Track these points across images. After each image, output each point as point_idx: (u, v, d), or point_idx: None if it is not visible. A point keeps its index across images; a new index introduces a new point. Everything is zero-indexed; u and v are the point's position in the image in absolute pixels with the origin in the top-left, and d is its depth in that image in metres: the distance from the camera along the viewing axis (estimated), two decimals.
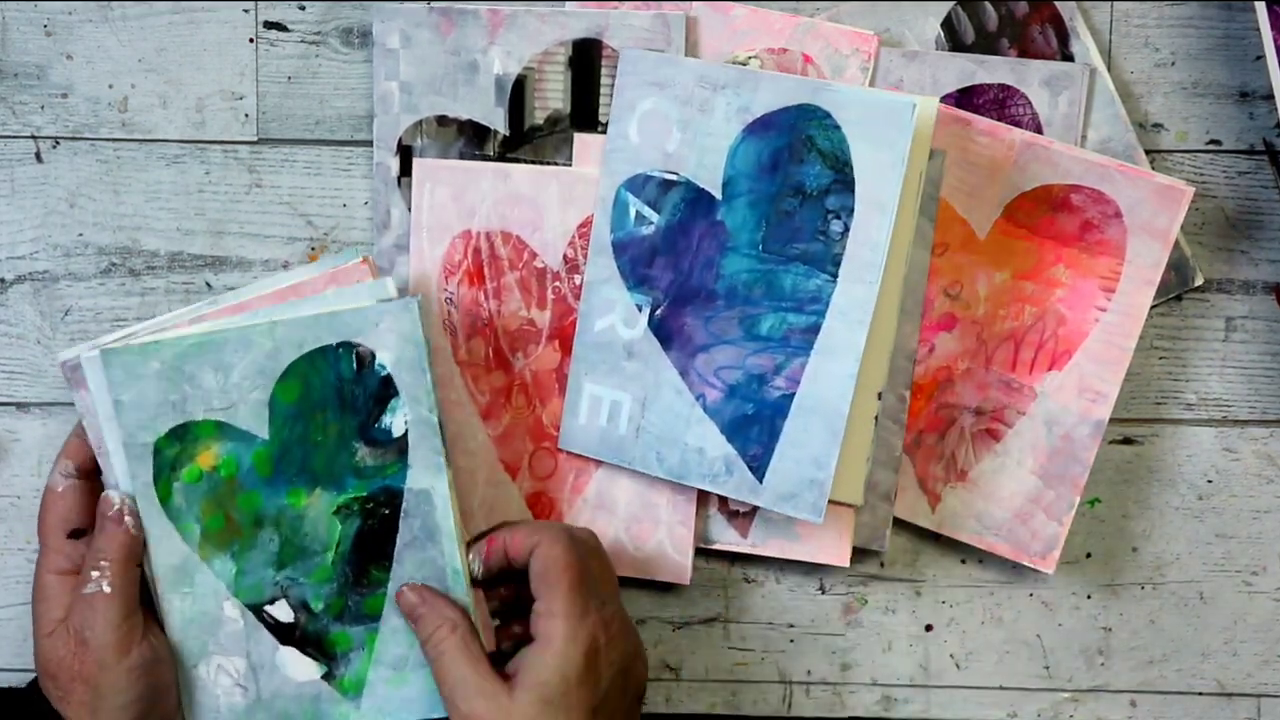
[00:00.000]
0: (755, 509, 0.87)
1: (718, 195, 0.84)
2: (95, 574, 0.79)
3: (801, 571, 0.90)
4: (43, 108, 0.89)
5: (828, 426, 0.82)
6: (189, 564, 0.82)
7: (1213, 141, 0.88)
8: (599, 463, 0.87)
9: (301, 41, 0.88)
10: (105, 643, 0.79)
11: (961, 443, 0.87)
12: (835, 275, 0.82)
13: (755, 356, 0.83)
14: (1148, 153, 0.87)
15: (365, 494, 0.81)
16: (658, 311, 0.85)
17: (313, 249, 0.89)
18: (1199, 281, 0.88)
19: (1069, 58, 0.87)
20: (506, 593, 0.83)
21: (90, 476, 0.82)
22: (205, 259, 0.89)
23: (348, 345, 0.80)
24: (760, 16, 0.86)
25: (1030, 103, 0.86)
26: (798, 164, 0.82)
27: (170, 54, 0.89)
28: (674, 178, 0.84)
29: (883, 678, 0.91)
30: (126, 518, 0.80)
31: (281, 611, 0.82)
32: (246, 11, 0.88)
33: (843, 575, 0.90)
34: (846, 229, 0.81)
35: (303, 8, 0.88)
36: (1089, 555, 0.90)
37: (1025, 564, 0.87)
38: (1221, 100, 0.88)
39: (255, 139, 0.89)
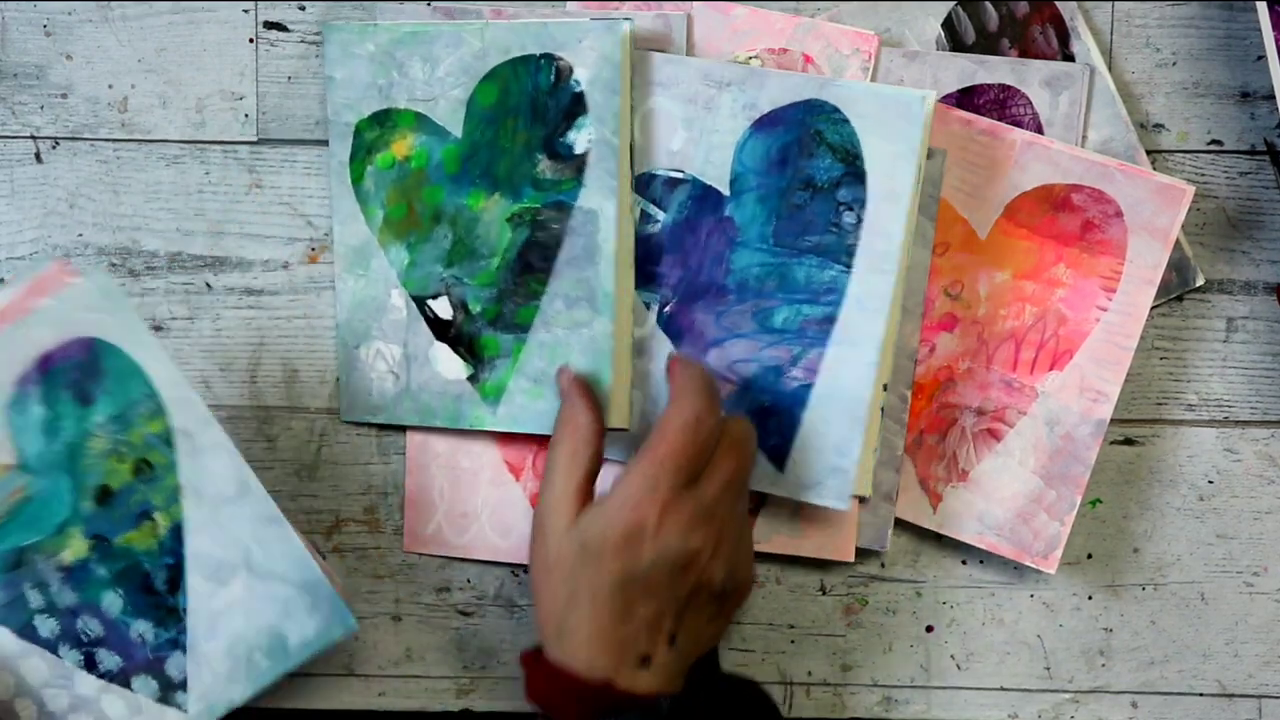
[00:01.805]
0: (759, 507, 0.87)
1: (725, 191, 0.84)
2: None
3: (802, 572, 0.90)
4: (42, 108, 0.89)
5: (849, 415, 0.82)
6: (368, 248, 0.85)
7: (1214, 142, 0.88)
8: (607, 460, 0.87)
9: (301, 41, 0.88)
10: None
11: (963, 443, 0.87)
12: (850, 266, 0.82)
13: (771, 349, 0.83)
14: (1149, 153, 0.87)
15: (539, 205, 0.83)
16: (666, 309, 0.85)
17: (313, 249, 0.89)
18: (1200, 282, 0.88)
19: (1070, 58, 0.87)
20: None
21: None
22: (205, 259, 0.89)
23: (550, 57, 0.82)
24: (760, 16, 0.86)
25: (1031, 103, 0.86)
26: (807, 158, 0.83)
27: (170, 54, 0.89)
28: (680, 176, 0.85)
29: (883, 679, 0.90)
30: None
31: (442, 308, 0.85)
32: (246, 11, 0.88)
33: (844, 576, 0.90)
34: (859, 220, 0.82)
35: (303, 8, 0.88)
36: (1090, 556, 0.90)
37: (1027, 564, 0.87)
38: (1223, 100, 0.88)
39: (255, 139, 0.89)
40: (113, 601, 0.77)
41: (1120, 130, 0.87)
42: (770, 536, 0.87)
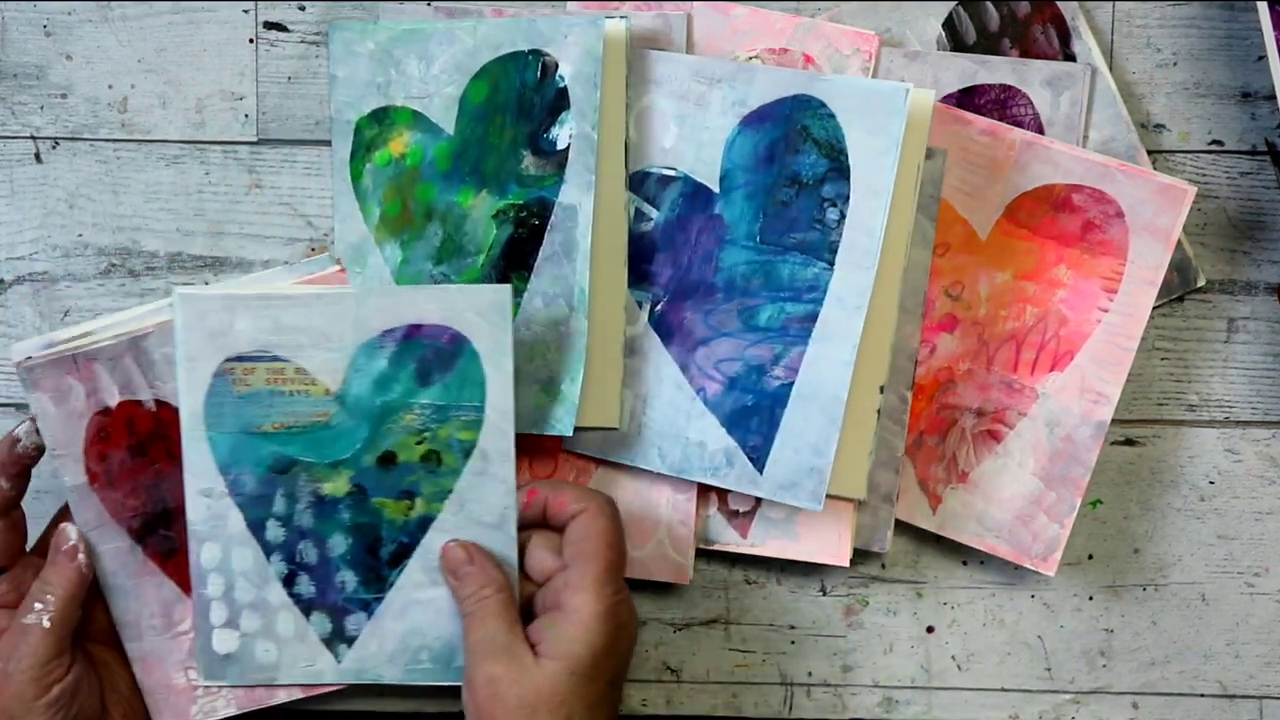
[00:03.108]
0: (755, 509, 0.87)
1: (715, 189, 0.84)
2: (39, 606, 0.79)
3: (802, 573, 0.90)
4: (42, 108, 0.89)
5: (826, 414, 0.82)
6: (365, 245, 0.86)
7: (1215, 142, 0.88)
8: (599, 462, 0.87)
9: (301, 41, 0.88)
10: (28, 679, 0.78)
11: (963, 444, 0.87)
12: (832, 263, 0.82)
13: (754, 347, 0.83)
14: (1150, 153, 0.87)
15: (522, 201, 0.83)
16: (658, 307, 0.85)
17: (313, 249, 0.89)
18: (1201, 282, 0.88)
19: (1071, 58, 0.87)
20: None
21: (9, 514, 0.81)
22: (205, 259, 0.89)
23: (537, 53, 0.83)
24: (761, 16, 0.86)
25: (1032, 103, 0.86)
26: (794, 154, 0.83)
27: (170, 54, 0.88)
28: (672, 173, 0.85)
29: (884, 679, 0.90)
30: (80, 555, 0.80)
31: None
32: (246, 12, 0.88)
33: (844, 577, 0.90)
34: (843, 216, 0.82)
35: (303, 8, 0.88)
36: (1090, 556, 0.90)
37: (1026, 566, 0.87)
38: (1223, 101, 0.88)
39: (255, 139, 0.89)
40: (339, 544, 0.81)
41: (1121, 130, 0.87)
42: (765, 540, 0.87)
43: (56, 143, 0.89)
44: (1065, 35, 0.87)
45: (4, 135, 0.89)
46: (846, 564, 0.87)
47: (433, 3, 0.87)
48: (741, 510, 0.88)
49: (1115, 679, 0.90)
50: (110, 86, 0.89)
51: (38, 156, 0.89)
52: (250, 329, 0.79)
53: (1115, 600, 0.90)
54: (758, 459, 0.84)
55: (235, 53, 0.88)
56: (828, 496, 0.83)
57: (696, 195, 0.84)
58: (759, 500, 0.87)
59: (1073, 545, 0.89)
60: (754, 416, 0.83)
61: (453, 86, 0.85)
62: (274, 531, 0.81)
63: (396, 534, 0.81)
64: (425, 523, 0.81)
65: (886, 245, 0.82)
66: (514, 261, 0.84)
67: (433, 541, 0.81)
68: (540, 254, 0.84)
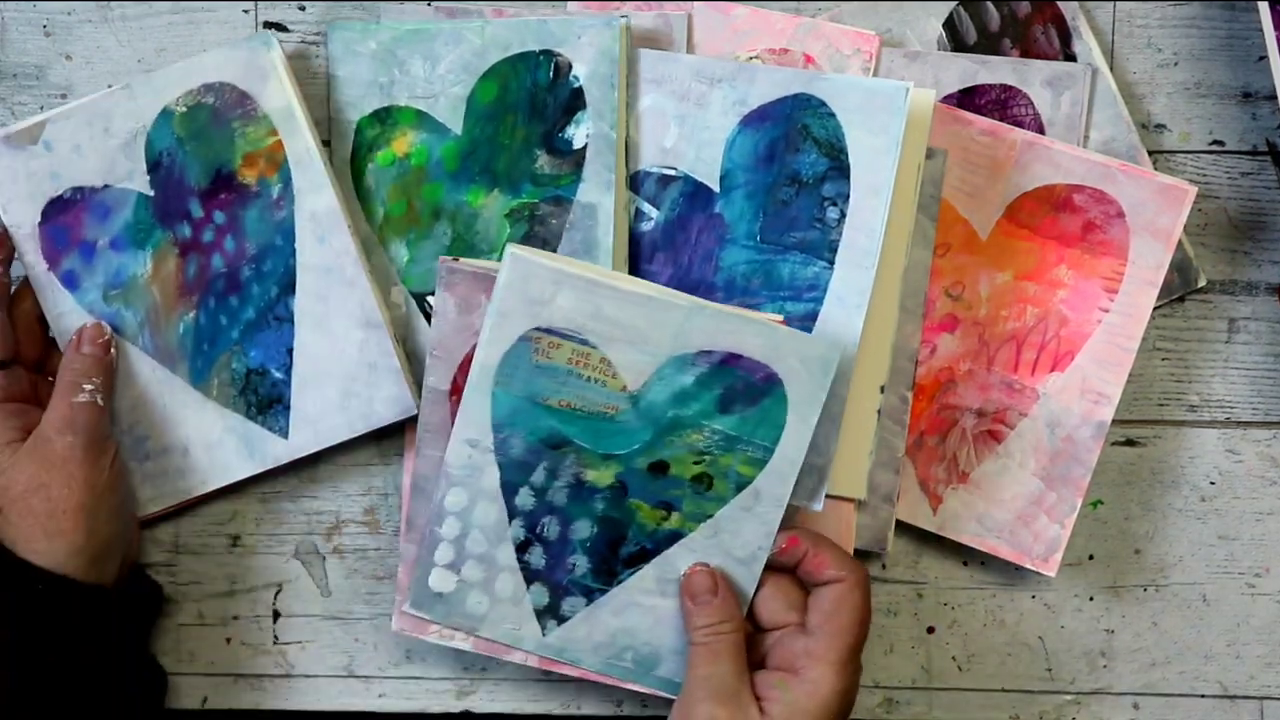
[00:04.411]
0: None
1: (715, 188, 0.84)
2: (88, 387, 0.82)
3: None
4: (42, 108, 0.89)
5: (826, 413, 0.82)
6: (368, 244, 0.86)
7: (1215, 142, 0.88)
8: None
9: (301, 41, 0.88)
10: (94, 440, 0.81)
11: (963, 444, 0.87)
12: (832, 262, 0.82)
13: None
14: (1150, 153, 0.87)
15: (538, 200, 0.84)
16: None
17: None
18: (1202, 282, 0.88)
19: (1071, 58, 0.87)
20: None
21: (6, 310, 0.84)
22: None
23: (549, 54, 0.83)
24: (761, 16, 0.86)
25: (1032, 103, 0.86)
26: (794, 153, 0.83)
27: (170, 54, 0.88)
28: (672, 173, 0.85)
29: (885, 680, 0.90)
30: (112, 349, 0.84)
31: None
32: (246, 12, 0.88)
33: None
34: (843, 215, 0.82)
35: (303, 8, 0.88)
36: (1091, 557, 0.90)
37: (1027, 567, 0.86)
38: (1224, 101, 0.88)
39: None
40: (582, 529, 0.81)
41: (1122, 130, 0.87)
42: None
43: None
44: (1066, 35, 0.87)
45: None
46: None
47: (433, 3, 0.87)
48: None
49: (1116, 679, 0.90)
50: (110, 86, 0.88)
51: None
52: (570, 307, 0.78)
53: (1116, 601, 0.90)
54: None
55: None
56: (828, 496, 0.83)
57: (697, 195, 0.84)
58: None
59: (1073, 546, 0.89)
60: None
61: (459, 86, 0.85)
62: (525, 499, 0.80)
63: (642, 538, 0.81)
64: (674, 537, 0.80)
65: (887, 245, 0.82)
66: None
67: (676, 556, 0.81)
68: (559, 252, 0.84)
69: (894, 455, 0.85)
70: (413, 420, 0.86)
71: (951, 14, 0.87)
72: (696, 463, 0.80)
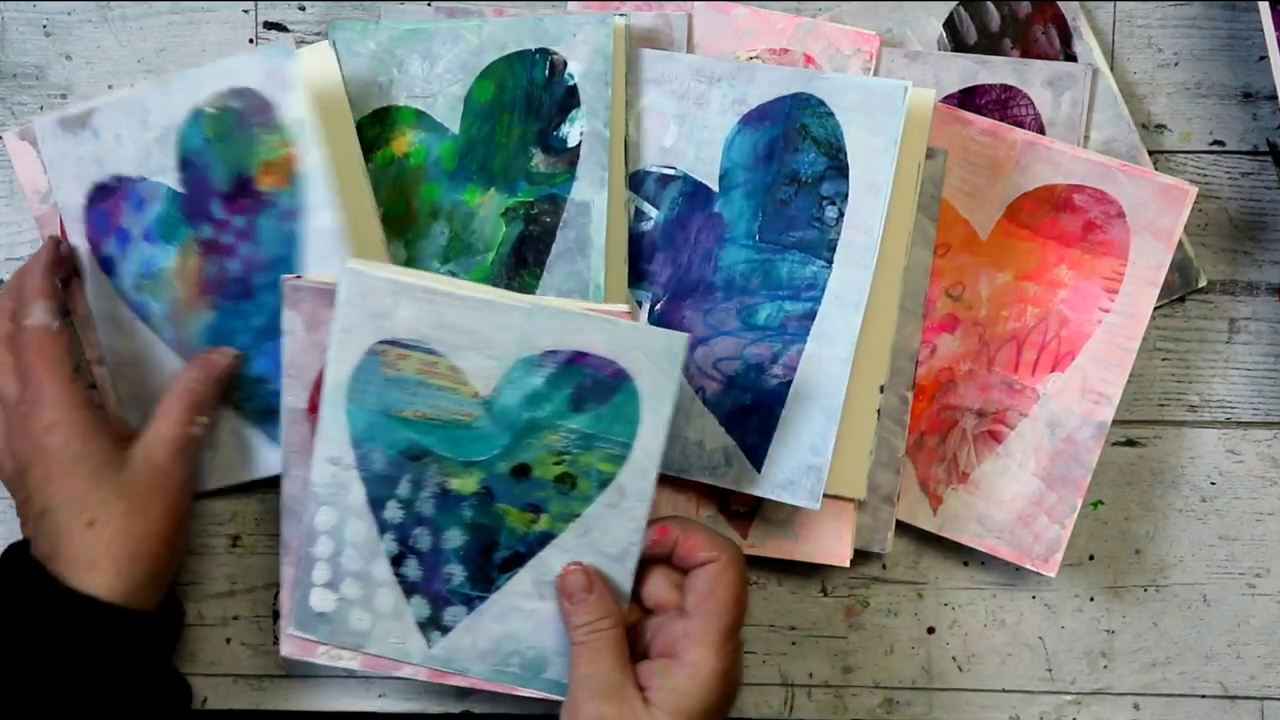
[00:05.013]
0: (755, 510, 0.87)
1: (715, 187, 0.84)
2: (203, 419, 0.82)
3: (803, 574, 0.90)
4: (42, 108, 0.89)
5: (824, 412, 0.82)
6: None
7: (1216, 142, 0.88)
8: None
9: (301, 41, 0.88)
10: (194, 471, 0.83)
11: (963, 444, 0.87)
12: (831, 261, 0.82)
13: (753, 346, 0.83)
14: (1151, 153, 0.87)
15: (533, 199, 0.84)
16: (657, 306, 0.85)
17: None
18: (1202, 283, 0.88)
19: (1072, 58, 0.87)
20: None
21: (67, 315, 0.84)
22: None
23: (545, 52, 0.83)
24: (762, 16, 0.86)
25: (1033, 103, 0.86)
26: (793, 152, 0.83)
27: (170, 54, 0.88)
28: (672, 172, 0.85)
29: (885, 680, 0.90)
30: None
31: None
32: (246, 12, 0.88)
33: (844, 577, 0.90)
34: (841, 214, 0.82)
35: (303, 8, 0.88)
36: (1092, 557, 0.90)
37: (1027, 567, 0.86)
38: (1225, 101, 0.88)
39: None
40: (454, 538, 0.81)
41: (1122, 131, 0.87)
42: (765, 540, 0.87)
43: None
44: (1066, 35, 0.87)
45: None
46: (847, 565, 0.86)
47: (433, 3, 0.87)
48: (741, 511, 0.87)
49: (1116, 680, 0.90)
50: (110, 87, 0.88)
51: None
52: (412, 318, 0.78)
53: (1116, 601, 0.90)
54: (756, 458, 0.84)
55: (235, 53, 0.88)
56: (828, 497, 0.83)
57: (696, 194, 0.84)
58: (759, 501, 0.86)
59: (1074, 546, 0.89)
60: (752, 415, 0.83)
61: (457, 86, 0.85)
62: (393, 512, 0.80)
63: (514, 542, 0.80)
64: (545, 538, 0.80)
65: (887, 245, 0.82)
66: (524, 258, 0.84)
67: (549, 558, 0.80)
68: (553, 251, 0.84)
69: (894, 455, 0.85)
70: None
71: (952, 14, 0.87)
72: (557, 463, 0.79)
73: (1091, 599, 0.90)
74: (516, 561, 0.80)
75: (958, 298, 0.87)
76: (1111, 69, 0.87)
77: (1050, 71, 0.86)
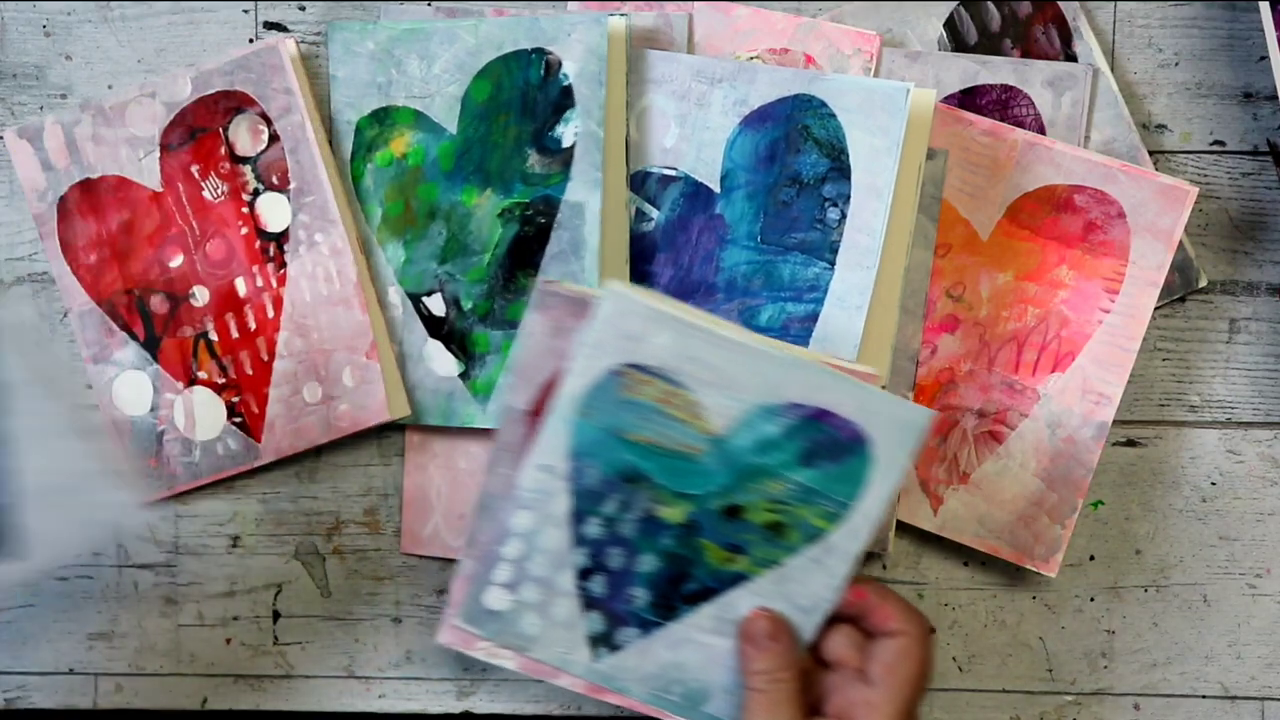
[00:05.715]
0: None
1: (716, 189, 0.84)
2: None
3: None
4: (42, 108, 0.89)
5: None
6: (367, 246, 0.86)
7: (1216, 142, 0.88)
8: None
9: (301, 42, 0.88)
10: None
11: (964, 445, 0.87)
12: (833, 262, 0.82)
13: None
14: (1151, 154, 0.87)
15: (528, 200, 0.84)
16: None
17: None
18: (1203, 283, 0.88)
19: (1072, 58, 0.87)
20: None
21: None
22: None
23: (540, 52, 0.84)
24: (762, 17, 0.86)
25: (1033, 103, 0.86)
26: (794, 154, 0.83)
27: (170, 54, 0.88)
28: (673, 173, 0.85)
29: None
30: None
31: (435, 304, 0.86)
32: (246, 12, 0.88)
33: None
34: (843, 216, 0.82)
35: (303, 8, 0.88)
36: (1092, 558, 0.90)
37: (1028, 567, 0.86)
38: (1225, 101, 0.88)
39: None
40: (647, 563, 0.80)
41: (1123, 131, 0.86)
42: None
43: None
44: (1067, 35, 0.87)
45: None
46: None
47: (433, 3, 0.87)
48: None
49: (1117, 680, 0.90)
50: (110, 87, 0.88)
51: None
52: (663, 348, 0.77)
53: (1117, 601, 0.90)
54: None
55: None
56: None
57: (697, 195, 0.84)
58: None
59: (1074, 546, 0.89)
60: None
61: (455, 86, 0.85)
62: (593, 528, 0.79)
63: (706, 576, 0.79)
64: (738, 579, 0.79)
65: (888, 245, 0.82)
66: (520, 259, 0.85)
67: (738, 598, 0.79)
68: (547, 252, 0.84)
69: None
70: (412, 421, 0.86)
71: (952, 14, 0.87)
72: (771, 510, 0.78)
73: (1092, 599, 0.90)
74: (703, 596, 0.80)
75: (958, 298, 0.87)
76: (1112, 69, 0.87)
77: (1051, 72, 0.86)
